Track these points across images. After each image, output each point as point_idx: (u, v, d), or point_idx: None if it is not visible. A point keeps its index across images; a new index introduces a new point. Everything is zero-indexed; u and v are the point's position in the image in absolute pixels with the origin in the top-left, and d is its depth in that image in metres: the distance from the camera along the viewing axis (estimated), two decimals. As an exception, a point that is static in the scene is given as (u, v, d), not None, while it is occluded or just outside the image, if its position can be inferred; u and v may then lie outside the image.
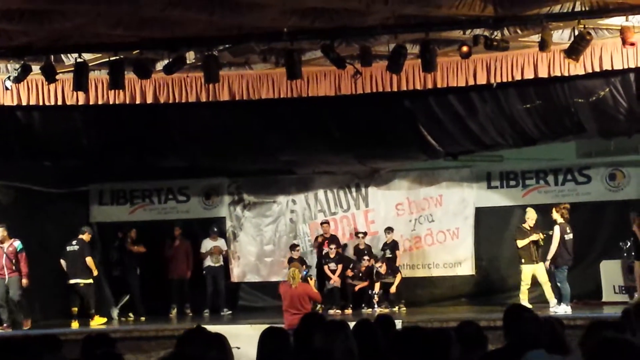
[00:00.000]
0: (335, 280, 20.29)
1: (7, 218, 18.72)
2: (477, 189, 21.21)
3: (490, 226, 21.11)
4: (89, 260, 19.38)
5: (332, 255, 20.49)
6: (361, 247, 20.80)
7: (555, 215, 18.38)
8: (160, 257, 21.17)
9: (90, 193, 22.39)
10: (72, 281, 19.43)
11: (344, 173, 21.64)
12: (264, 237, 22.23)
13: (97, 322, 19.21)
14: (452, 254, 21.19)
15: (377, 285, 20.12)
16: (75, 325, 18.91)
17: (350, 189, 21.88)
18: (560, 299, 18.01)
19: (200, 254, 21.23)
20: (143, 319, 20.11)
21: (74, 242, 19.55)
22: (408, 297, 20.47)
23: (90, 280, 19.40)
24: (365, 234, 21.04)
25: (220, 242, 21.41)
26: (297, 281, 15.46)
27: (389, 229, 20.79)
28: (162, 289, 21.04)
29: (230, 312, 20.93)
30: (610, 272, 19.17)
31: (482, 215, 21.15)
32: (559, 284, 18.15)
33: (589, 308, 18.21)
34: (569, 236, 18.16)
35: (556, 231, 18.20)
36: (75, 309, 19.35)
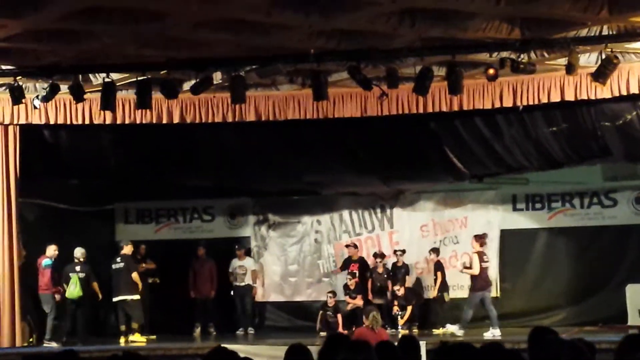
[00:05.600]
0: (355, 303, 20.14)
1: (32, 235, 18.79)
2: (503, 211, 21.13)
3: (515, 249, 21.00)
4: (134, 275, 19.13)
5: (352, 287, 20.34)
6: (399, 264, 20.55)
7: (475, 244, 19.03)
8: (184, 275, 21.17)
9: (116, 211, 22.43)
10: (116, 298, 19.17)
11: (368, 194, 21.60)
12: (289, 257, 22.20)
13: (139, 338, 18.96)
14: (476, 276, 21.08)
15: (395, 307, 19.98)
16: (141, 339, 18.81)
17: (375, 210, 21.83)
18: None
19: (229, 274, 21.24)
20: (153, 337, 19.78)
21: (118, 259, 19.33)
22: (432, 318, 20.37)
23: (137, 296, 19.12)
24: (403, 251, 20.67)
25: (247, 261, 21.38)
26: (379, 325, 15.30)
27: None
28: (186, 308, 21.04)
29: (252, 331, 20.85)
30: (636, 296, 19.04)
31: (507, 238, 21.03)
32: (468, 309, 18.80)
33: (614, 332, 18.08)
34: (486, 264, 18.77)
35: (475, 258, 18.70)
36: (123, 326, 19.06)
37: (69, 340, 18.29)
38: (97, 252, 20.36)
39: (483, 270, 18.75)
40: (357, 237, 21.76)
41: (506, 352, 7.01)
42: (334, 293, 20.41)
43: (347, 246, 21.16)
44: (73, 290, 18.49)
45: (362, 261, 20.88)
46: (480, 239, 19.35)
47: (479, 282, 18.76)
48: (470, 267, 18.98)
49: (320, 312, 20.32)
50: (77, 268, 18.57)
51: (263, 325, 21.68)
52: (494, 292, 20.87)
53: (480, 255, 18.83)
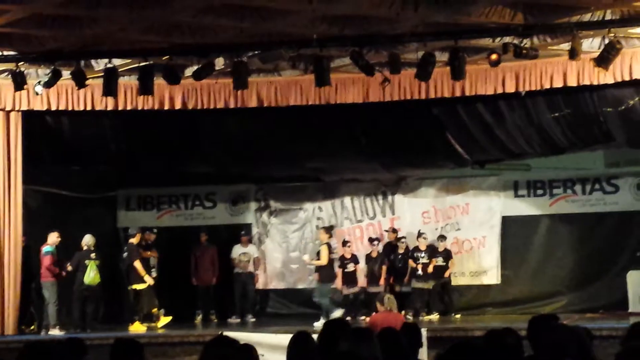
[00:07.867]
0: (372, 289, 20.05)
1: (34, 222, 18.77)
2: (504, 198, 21.12)
3: (517, 235, 21.00)
4: (136, 264, 19.02)
5: (373, 256, 20.24)
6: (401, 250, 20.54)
7: (323, 236, 19.78)
8: (186, 262, 21.15)
9: (118, 198, 22.44)
10: (130, 287, 19.21)
11: (370, 180, 21.60)
12: (290, 243, 22.20)
13: (136, 328, 18.78)
14: (478, 263, 21.10)
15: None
16: (141, 328, 18.72)
17: (377, 196, 21.82)
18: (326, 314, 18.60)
19: (231, 260, 21.15)
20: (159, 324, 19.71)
21: (125, 249, 19.39)
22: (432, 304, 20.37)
23: (142, 286, 19.03)
24: (395, 233, 20.73)
25: (251, 249, 21.36)
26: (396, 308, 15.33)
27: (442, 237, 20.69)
28: (188, 295, 21.03)
29: (253, 319, 20.81)
30: (637, 282, 19.02)
31: (509, 224, 21.04)
32: (316, 300, 19.40)
33: (615, 318, 18.09)
34: (334, 255, 19.74)
35: (324, 250, 19.33)
36: (141, 313, 19.09)
37: (78, 326, 18.38)
38: (100, 238, 20.35)
39: (331, 261, 19.50)
40: (359, 223, 21.77)
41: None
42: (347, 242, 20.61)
43: (386, 231, 21.12)
44: (93, 276, 18.55)
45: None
46: (329, 231, 20.06)
47: (328, 272, 19.42)
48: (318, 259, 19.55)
49: (340, 269, 20.19)
50: (93, 255, 18.64)
51: (264, 313, 21.65)
52: (495, 279, 20.94)
53: (329, 246, 19.53)
